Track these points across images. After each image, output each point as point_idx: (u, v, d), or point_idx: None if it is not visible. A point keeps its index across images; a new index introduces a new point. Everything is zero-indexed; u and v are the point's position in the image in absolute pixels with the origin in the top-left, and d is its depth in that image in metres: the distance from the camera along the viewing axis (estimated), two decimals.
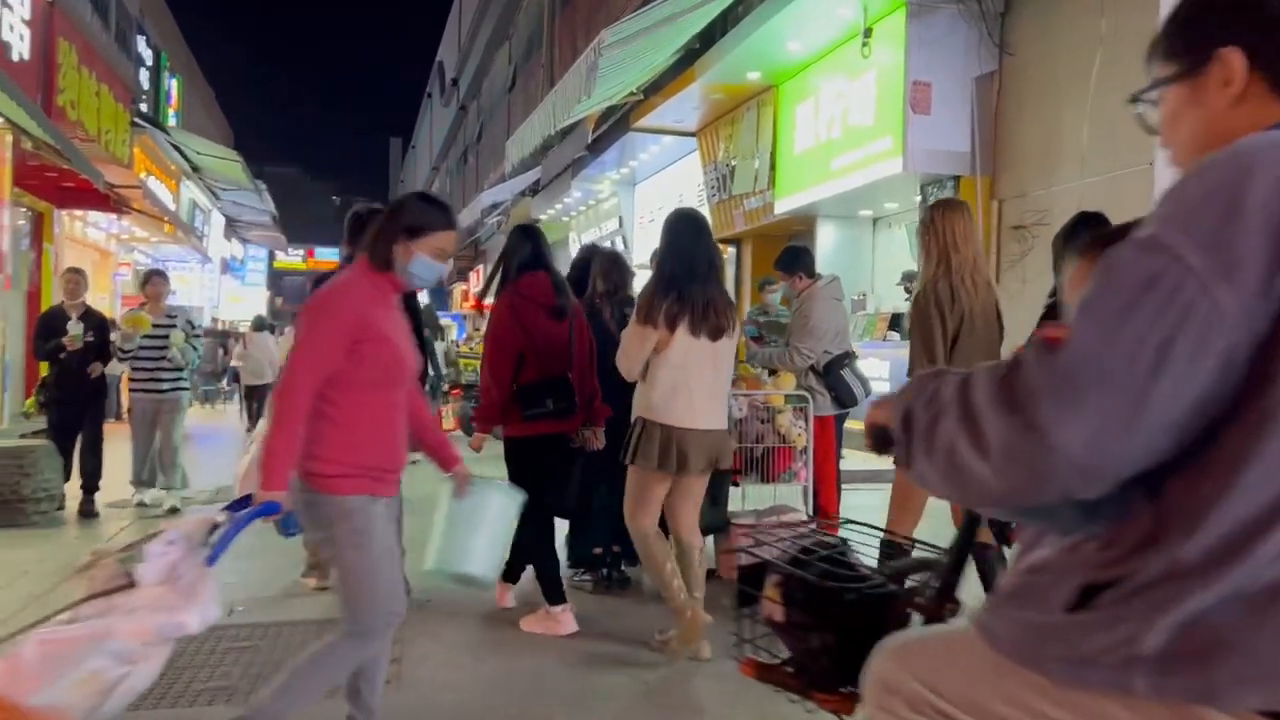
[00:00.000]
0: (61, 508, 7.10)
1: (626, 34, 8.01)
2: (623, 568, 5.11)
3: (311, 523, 2.70)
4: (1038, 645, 1.12)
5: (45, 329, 7.30)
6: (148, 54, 21.47)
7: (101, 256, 19.02)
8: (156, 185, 17.69)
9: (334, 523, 2.63)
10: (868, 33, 8.90)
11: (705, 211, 13.47)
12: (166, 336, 7.33)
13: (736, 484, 5.23)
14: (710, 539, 5.23)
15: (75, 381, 7.22)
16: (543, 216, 19.79)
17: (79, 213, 16.09)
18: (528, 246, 4.36)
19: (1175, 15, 1.25)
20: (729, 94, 11.87)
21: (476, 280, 28.70)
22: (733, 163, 12.50)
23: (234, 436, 14.16)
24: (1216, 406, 1.00)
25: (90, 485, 7.34)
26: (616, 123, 14.33)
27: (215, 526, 2.53)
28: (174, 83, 24.57)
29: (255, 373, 15.00)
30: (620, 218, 16.95)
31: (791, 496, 5.73)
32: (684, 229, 3.90)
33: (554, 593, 4.32)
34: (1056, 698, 1.11)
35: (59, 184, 13.82)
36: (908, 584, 1.77)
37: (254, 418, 15.48)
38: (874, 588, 1.72)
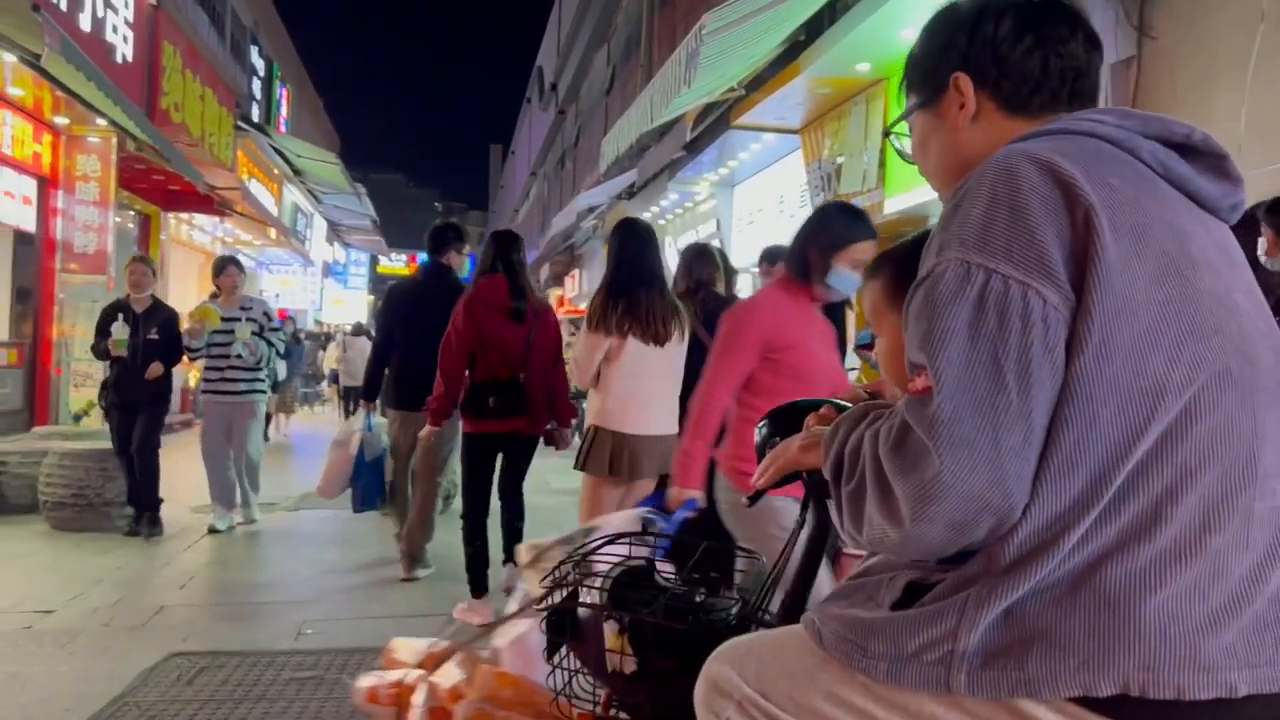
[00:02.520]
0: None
1: (730, 19, 7.54)
2: None
3: (738, 521, 2.79)
4: (862, 643, 1.11)
5: (103, 325, 6.53)
6: (260, 64, 21.96)
7: (207, 259, 19.42)
8: (259, 189, 17.94)
9: (761, 521, 2.64)
10: None
11: (809, 212, 12.88)
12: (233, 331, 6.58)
13: None
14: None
15: (133, 384, 6.43)
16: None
17: (184, 215, 16.40)
18: (491, 251, 4.68)
19: (915, 48, 1.34)
20: (836, 88, 11.27)
21: (572, 285, 28.59)
22: (839, 161, 11.89)
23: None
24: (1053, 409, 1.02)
25: (139, 501, 6.45)
26: (715, 121, 13.86)
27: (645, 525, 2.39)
28: (284, 92, 25.12)
29: (353, 375, 15.99)
30: (718, 220, 16.47)
31: None
32: (628, 238, 4.03)
33: (479, 582, 4.59)
34: (879, 695, 1.11)
35: (166, 187, 14.05)
36: (750, 601, 1.71)
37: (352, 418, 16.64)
38: (725, 615, 1.68)
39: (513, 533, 4.65)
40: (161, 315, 6.61)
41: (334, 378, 17.56)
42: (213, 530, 6.52)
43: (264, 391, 6.93)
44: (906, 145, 1.37)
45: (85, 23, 9.75)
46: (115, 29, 10.58)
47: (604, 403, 3.92)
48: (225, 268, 6.85)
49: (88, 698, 3.46)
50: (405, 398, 5.37)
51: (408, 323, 5.43)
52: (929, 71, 1.31)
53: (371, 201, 25.52)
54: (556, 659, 1.73)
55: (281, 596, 5.00)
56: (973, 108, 1.26)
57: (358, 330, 18.10)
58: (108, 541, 6.19)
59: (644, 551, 1.90)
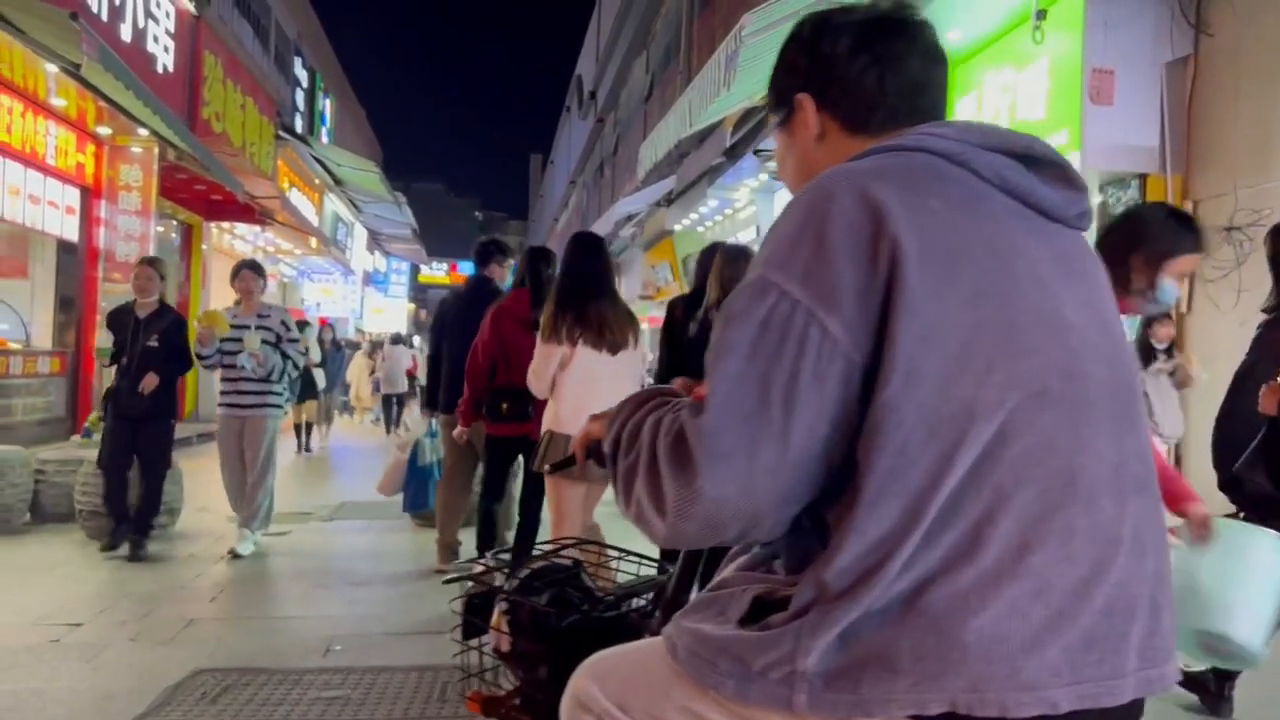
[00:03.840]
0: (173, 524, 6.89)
1: (770, 20, 7.37)
2: None
3: None
4: (712, 659, 1.13)
5: (111, 329, 6.15)
6: (303, 75, 22.18)
7: None
8: (300, 198, 18.06)
9: None
10: (1041, 15, 7.98)
11: None
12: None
13: None
14: None
15: (131, 394, 5.92)
16: (677, 227, 19.30)
17: (226, 225, 16.54)
18: (524, 266, 4.88)
19: (772, 69, 1.35)
20: None
21: None
22: None
23: (376, 447, 14.12)
24: (849, 431, 1.04)
25: (141, 522, 6.01)
26: (756, 126, 13.67)
27: None
28: (328, 103, 25.35)
29: (391, 382, 16.86)
30: (758, 226, 16.26)
31: None
32: (575, 251, 4.21)
33: (485, 543, 4.93)
34: (731, 710, 1.12)
35: (208, 197, 14.18)
36: (635, 604, 1.74)
37: (392, 425, 16.87)
38: (602, 611, 1.71)
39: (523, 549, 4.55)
40: (164, 322, 6.09)
41: (376, 386, 18.02)
42: (234, 555, 6.01)
43: (278, 406, 6.29)
44: (773, 161, 1.40)
45: (126, 33, 9.82)
46: (156, 39, 10.66)
47: (558, 408, 4.06)
48: (239, 272, 6.29)
49: (109, 715, 3.37)
50: (452, 403, 5.57)
51: (454, 333, 5.72)
52: (780, 92, 1.32)
53: (414, 211, 25.67)
54: (474, 641, 1.81)
55: (311, 611, 4.90)
56: (816, 128, 1.28)
57: (396, 339, 18.77)
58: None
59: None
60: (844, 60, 1.25)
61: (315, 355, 13.07)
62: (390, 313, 36.88)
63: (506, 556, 1.93)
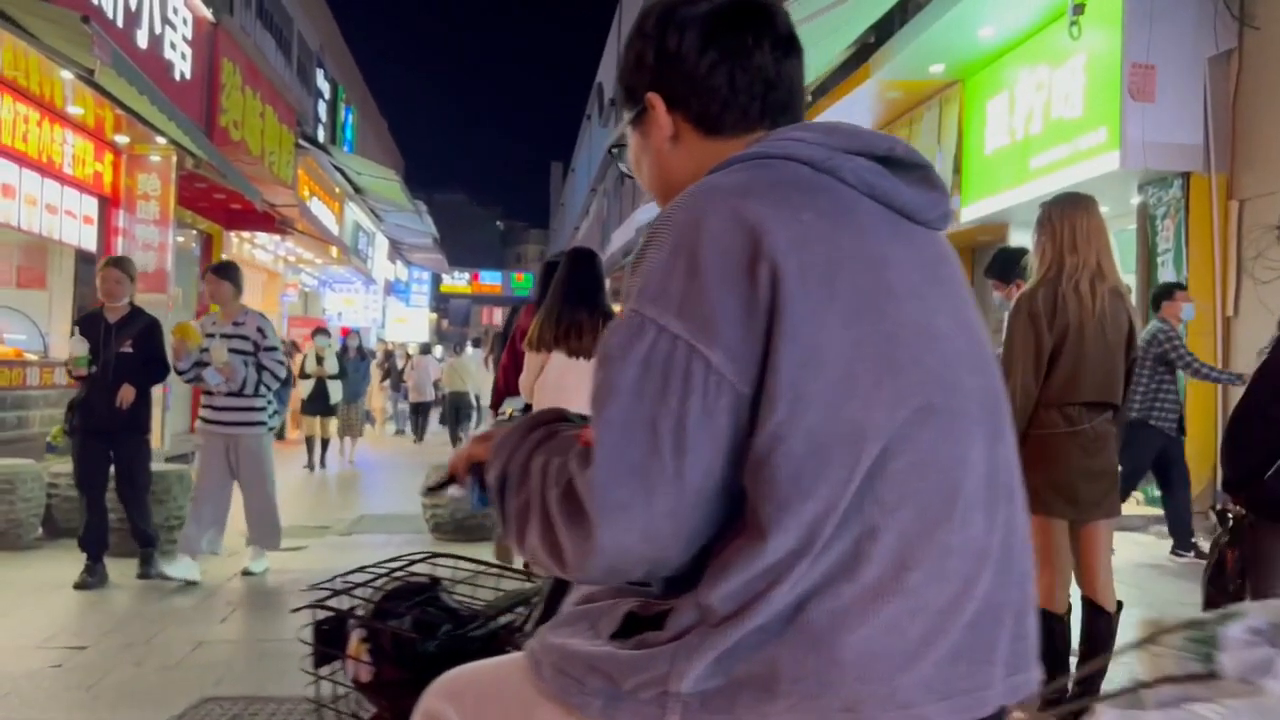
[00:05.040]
0: None
1: (801, 15, 7.15)
2: None
3: None
4: (580, 677, 1.08)
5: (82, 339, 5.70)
6: (325, 87, 22.17)
7: (269, 278, 19.52)
8: (320, 207, 17.98)
9: None
10: (1078, 9, 7.72)
11: None
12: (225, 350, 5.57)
13: None
14: None
15: (102, 406, 5.48)
16: None
17: (246, 234, 16.46)
18: (539, 281, 5.07)
19: (621, 61, 1.27)
20: (908, 91, 10.82)
21: None
22: None
23: (398, 459, 13.96)
24: (735, 467, 1.02)
25: (145, 536, 5.66)
26: None
27: None
28: (349, 114, 25.35)
29: (419, 390, 17.50)
30: None
31: None
32: (566, 264, 4.33)
33: None
34: None
35: (227, 206, 14.07)
36: (504, 621, 1.66)
37: (420, 433, 17.06)
38: (470, 631, 1.64)
39: None
40: (137, 326, 5.62)
41: (405, 394, 18.45)
42: (162, 576, 5.61)
43: (262, 423, 5.82)
44: (626, 161, 1.32)
45: (142, 40, 9.72)
46: (173, 45, 10.55)
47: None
48: (206, 275, 5.73)
49: None
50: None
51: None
52: (630, 89, 1.25)
53: (435, 221, 25.59)
54: (326, 670, 1.71)
55: None
56: (669, 129, 1.21)
57: (424, 349, 19.69)
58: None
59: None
60: (691, 57, 1.17)
61: (331, 367, 12.89)
62: (412, 322, 36.82)
63: (359, 577, 1.78)
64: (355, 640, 1.65)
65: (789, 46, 1.20)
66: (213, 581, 5.67)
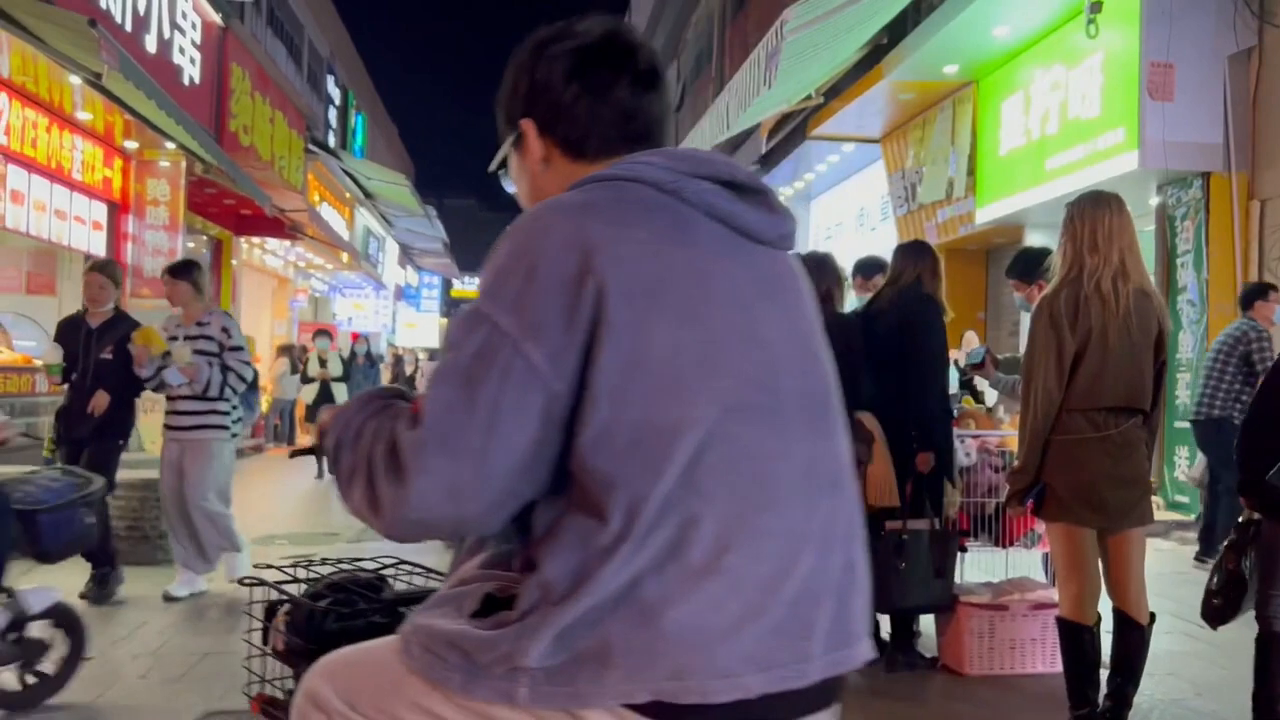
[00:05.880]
0: None
1: (812, 15, 7.06)
2: None
3: None
4: (442, 654, 1.18)
5: (61, 343, 5.49)
6: (336, 93, 22.18)
7: (280, 283, 19.53)
8: (330, 212, 17.96)
9: None
10: (1095, 7, 7.60)
11: (890, 225, 12.32)
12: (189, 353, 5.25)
13: (964, 549, 4.13)
14: (932, 620, 4.18)
15: (79, 413, 5.28)
16: None
17: (256, 240, 16.45)
18: None
19: (500, 88, 1.38)
20: (921, 93, 10.71)
21: None
22: (921, 170, 11.29)
23: None
24: (553, 449, 1.14)
25: (98, 554, 4.99)
26: (791, 132, 13.36)
27: None
28: (360, 120, 25.37)
29: None
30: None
31: (1032, 566, 4.60)
32: None
33: None
34: (459, 704, 1.17)
35: (237, 211, 14.08)
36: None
37: None
38: (374, 613, 1.78)
39: None
40: (119, 331, 5.33)
41: None
42: (167, 598, 5.26)
43: (223, 427, 5.41)
44: (510, 184, 1.42)
45: (151, 44, 9.70)
46: (182, 50, 10.54)
47: None
48: (164, 277, 5.47)
49: None
50: None
51: None
52: (507, 113, 1.35)
53: (446, 227, 25.56)
54: (267, 646, 1.92)
55: None
56: (540, 153, 1.32)
57: (432, 356, 18.91)
58: (160, 576, 5.89)
59: None
60: (557, 88, 1.29)
61: (335, 369, 12.83)
62: (423, 327, 36.84)
63: (321, 566, 2.05)
64: (280, 613, 1.88)
65: (648, 82, 1.31)
66: (219, 592, 5.60)
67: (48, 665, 3.63)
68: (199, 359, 5.30)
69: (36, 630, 3.60)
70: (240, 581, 3.08)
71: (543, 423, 1.12)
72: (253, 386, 5.86)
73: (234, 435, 5.62)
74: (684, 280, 1.16)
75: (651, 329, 1.13)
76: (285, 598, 1.89)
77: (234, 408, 5.53)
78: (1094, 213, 3.08)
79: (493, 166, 1.43)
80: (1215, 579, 2.86)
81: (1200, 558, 6.39)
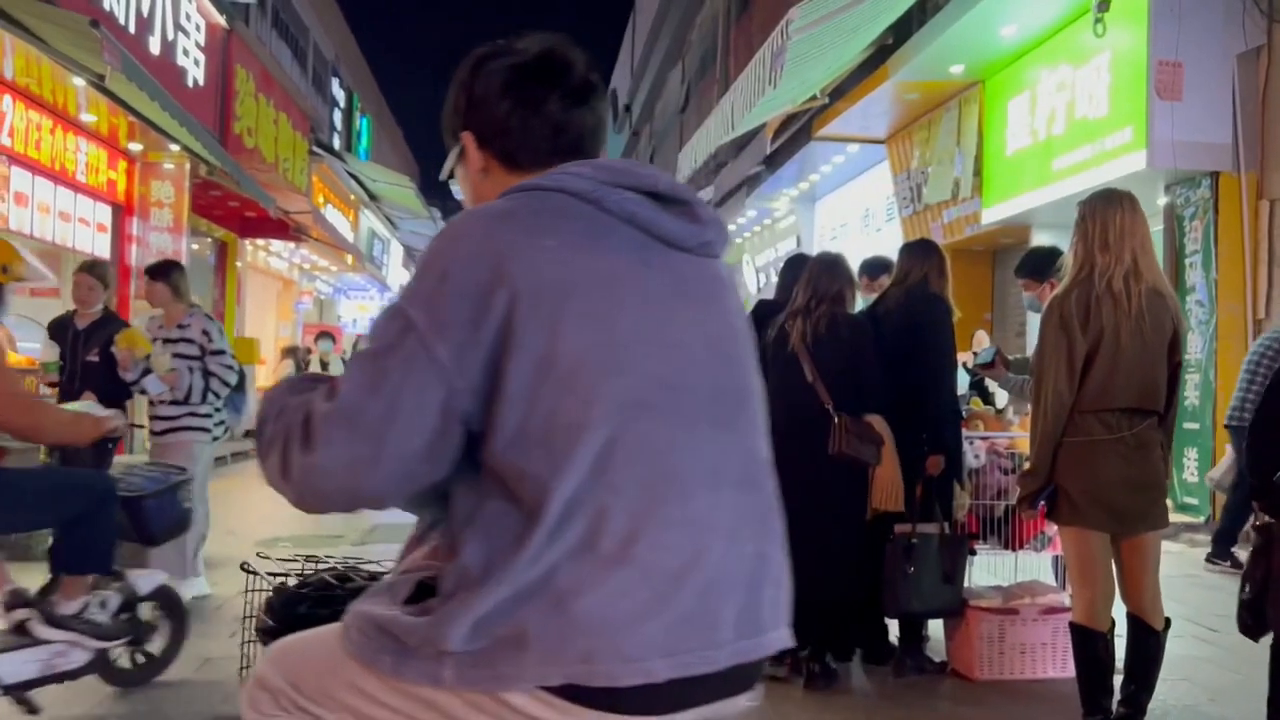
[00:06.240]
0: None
1: (818, 14, 7.03)
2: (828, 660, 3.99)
3: None
4: (375, 639, 1.25)
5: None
6: (341, 95, 22.19)
7: (285, 285, 19.52)
8: (335, 214, 17.94)
9: None
10: (1103, 6, 7.56)
11: (895, 225, 12.27)
12: (167, 356, 5.09)
13: (973, 552, 4.08)
14: (940, 625, 4.14)
15: None
16: None
17: (261, 242, 16.44)
18: None
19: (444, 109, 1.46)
20: (926, 93, 10.66)
21: None
22: (927, 170, 11.24)
23: None
24: (453, 440, 1.22)
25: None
26: (796, 133, 13.32)
27: None
28: (365, 122, 25.38)
29: None
30: (798, 236, 15.90)
31: (1041, 569, 4.55)
32: None
33: None
34: (389, 686, 1.24)
35: (242, 213, 14.06)
36: None
37: None
38: (336, 601, 1.88)
39: None
40: (106, 333, 5.17)
41: None
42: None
43: (203, 429, 5.22)
44: (458, 191, 1.49)
45: (155, 46, 9.69)
46: (186, 52, 10.52)
47: None
48: (144, 276, 5.29)
49: None
50: None
51: None
52: (450, 126, 1.43)
53: None
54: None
55: None
56: (479, 163, 1.40)
57: None
58: None
59: None
60: (492, 103, 1.36)
61: (337, 370, 12.81)
62: None
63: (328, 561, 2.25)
64: (264, 597, 2.06)
65: (580, 97, 1.38)
66: (221, 596, 5.57)
67: (154, 646, 3.87)
68: (179, 364, 5.15)
69: (145, 612, 3.83)
70: (241, 567, 3.20)
71: (442, 414, 1.20)
72: (239, 388, 5.63)
73: (215, 439, 5.51)
74: (592, 285, 1.23)
75: (559, 332, 1.19)
76: (269, 586, 2.07)
77: (216, 410, 5.40)
78: (1105, 211, 3.02)
79: (443, 176, 1.49)
80: (1246, 589, 2.78)
81: (1212, 560, 6.33)
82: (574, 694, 1.16)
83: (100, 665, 3.52)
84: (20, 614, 3.39)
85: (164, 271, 5.32)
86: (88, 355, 5.23)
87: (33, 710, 3.25)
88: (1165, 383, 3.02)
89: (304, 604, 1.87)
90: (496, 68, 1.37)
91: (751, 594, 1.26)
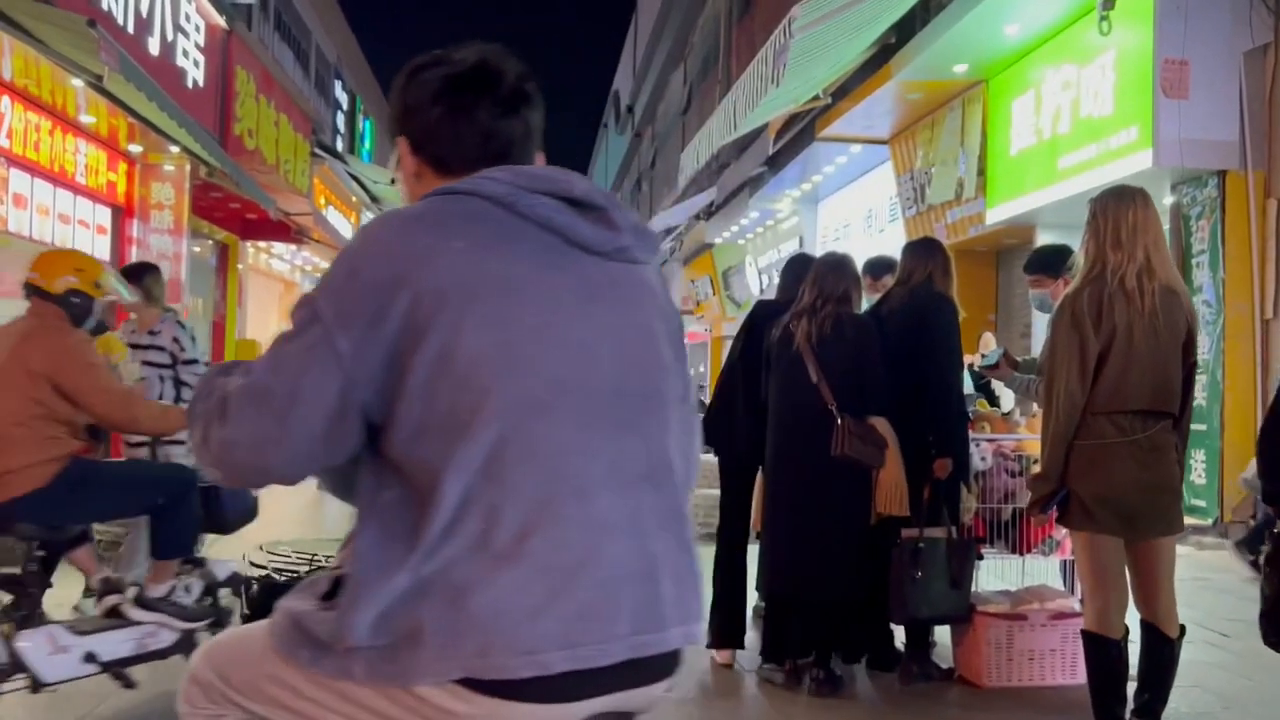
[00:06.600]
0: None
1: (821, 12, 6.96)
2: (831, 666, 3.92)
3: None
4: (294, 632, 1.30)
5: None
6: (344, 98, 22.17)
7: (286, 287, 19.48)
8: (337, 216, 17.89)
9: None
10: (1108, 3, 7.47)
11: (900, 226, 12.20)
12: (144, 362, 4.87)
13: (980, 556, 4.02)
14: (947, 631, 4.07)
15: None
16: (718, 240, 18.89)
17: (262, 244, 16.40)
18: None
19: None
20: (929, 92, 10.59)
21: None
22: (931, 170, 11.17)
23: None
24: (352, 427, 1.28)
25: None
26: (799, 134, 13.26)
27: None
28: (368, 125, 25.34)
29: None
30: (801, 237, 15.82)
31: (1050, 573, 4.48)
32: None
33: None
34: (308, 678, 1.29)
35: (243, 215, 14.02)
36: None
37: None
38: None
39: None
40: None
41: None
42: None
43: (177, 441, 4.69)
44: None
45: (154, 47, 9.63)
46: (186, 53, 10.47)
47: None
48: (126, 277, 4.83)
49: None
50: None
51: None
52: (390, 131, 1.51)
53: None
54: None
55: None
56: (413, 167, 1.45)
57: None
58: None
59: None
60: (425, 110, 1.42)
61: None
62: None
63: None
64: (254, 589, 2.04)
65: (509, 105, 1.42)
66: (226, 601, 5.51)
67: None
68: (149, 372, 4.96)
69: (224, 597, 4.05)
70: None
71: (340, 401, 1.25)
72: None
73: (189, 451, 5.34)
74: (496, 286, 1.27)
75: (460, 331, 1.23)
76: (256, 578, 2.12)
77: None
78: (1117, 207, 2.95)
79: (388, 179, 1.59)
80: (1264, 598, 2.71)
81: (1239, 546, 6.23)
82: (476, 685, 1.21)
83: (186, 646, 3.67)
84: (113, 598, 3.64)
85: (137, 274, 5.09)
86: None
87: (129, 685, 3.49)
88: (1180, 384, 2.96)
89: (282, 596, 1.94)
90: (430, 76, 1.42)
91: (650, 589, 1.28)
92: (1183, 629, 3.01)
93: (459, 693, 1.20)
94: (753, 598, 4.36)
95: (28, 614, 3.47)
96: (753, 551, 4.21)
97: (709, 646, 4.18)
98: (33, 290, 3.61)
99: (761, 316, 4.32)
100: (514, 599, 1.20)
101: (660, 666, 1.31)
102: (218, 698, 1.41)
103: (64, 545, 3.75)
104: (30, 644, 3.25)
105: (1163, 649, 2.95)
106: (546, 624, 1.20)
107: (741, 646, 4.19)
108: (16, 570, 3.52)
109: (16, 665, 3.22)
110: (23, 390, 3.41)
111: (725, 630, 4.16)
